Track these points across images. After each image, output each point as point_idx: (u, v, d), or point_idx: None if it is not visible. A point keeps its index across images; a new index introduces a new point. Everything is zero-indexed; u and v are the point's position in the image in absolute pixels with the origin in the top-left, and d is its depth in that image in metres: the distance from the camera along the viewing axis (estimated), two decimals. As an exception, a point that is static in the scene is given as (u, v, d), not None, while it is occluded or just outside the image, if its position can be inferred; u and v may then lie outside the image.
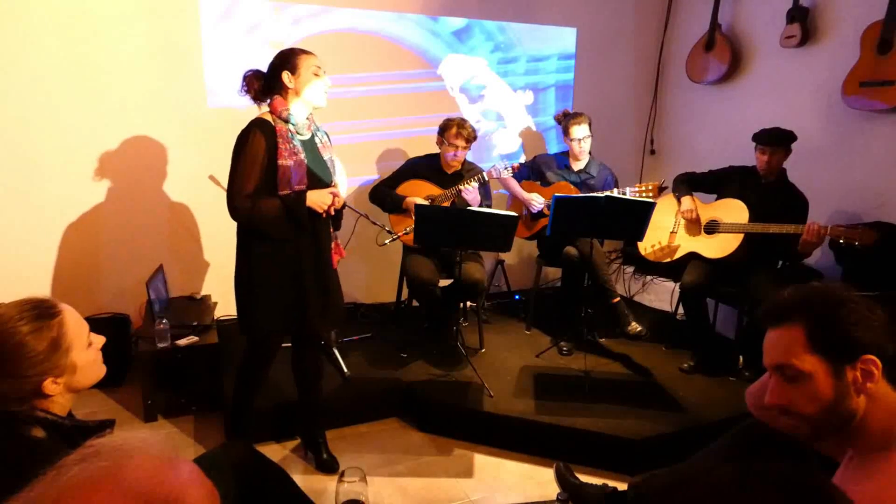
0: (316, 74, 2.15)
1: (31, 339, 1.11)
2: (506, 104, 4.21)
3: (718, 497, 0.65)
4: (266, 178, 2.09)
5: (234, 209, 2.09)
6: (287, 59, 2.14)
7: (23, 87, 2.96)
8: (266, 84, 2.16)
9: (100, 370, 1.26)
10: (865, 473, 1.03)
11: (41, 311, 1.14)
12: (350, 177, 3.85)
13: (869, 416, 1.05)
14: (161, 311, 2.95)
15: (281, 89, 2.14)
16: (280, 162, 2.08)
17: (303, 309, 2.23)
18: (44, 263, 3.15)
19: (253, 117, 2.16)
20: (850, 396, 1.04)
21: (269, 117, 2.13)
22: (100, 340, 1.26)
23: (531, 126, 4.35)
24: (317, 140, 2.26)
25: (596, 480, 2.13)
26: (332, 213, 2.21)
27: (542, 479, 2.45)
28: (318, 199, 2.15)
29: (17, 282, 3.06)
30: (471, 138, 3.22)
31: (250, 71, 2.17)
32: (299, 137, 2.16)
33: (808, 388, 1.06)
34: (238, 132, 2.13)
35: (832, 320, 1.05)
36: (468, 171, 3.32)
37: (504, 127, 4.25)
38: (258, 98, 2.18)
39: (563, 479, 2.10)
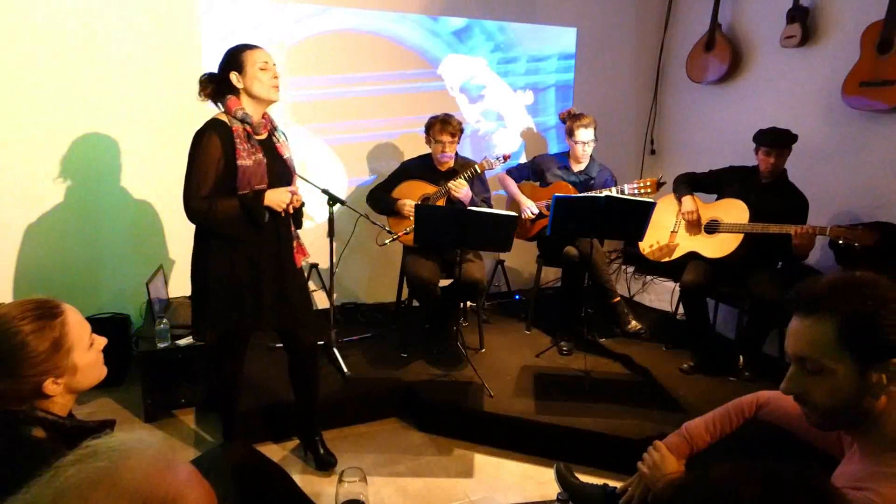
0: (263, 69, 2.09)
1: (33, 338, 1.10)
2: (506, 104, 4.21)
3: (717, 497, 0.65)
4: (225, 178, 2.07)
5: (190, 210, 2.06)
6: (233, 59, 2.10)
7: (22, 87, 2.96)
8: (218, 86, 2.13)
9: (101, 371, 1.26)
10: (885, 474, 1.00)
11: (43, 311, 1.14)
12: (350, 177, 3.86)
13: (886, 415, 1.03)
14: (161, 311, 2.95)
15: (232, 89, 2.11)
16: (239, 162, 2.05)
17: (260, 309, 2.19)
18: (45, 263, 3.15)
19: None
20: (870, 396, 1.02)
21: (224, 118, 2.10)
22: (101, 342, 1.26)
23: (531, 126, 4.35)
24: (274, 140, 2.23)
25: (596, 480, 2.12)
26: (291, 211, 2.20)
27: (542, 479, 2.45)
28: (276, 199, 2.13)
29: (18, 282, 3.07)
30: (456, 132, 3.22)
31: (205, 74, 2.14)
32: (256, 137, 2.13)
33: (827, 383, 1.04)
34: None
35: (867, 321, 1.00)
36: (461, 166, 3.30)
37: (504, 127, 4.25)
38: (214, 100, 2.16)
39: (563, 479, 2.09)
